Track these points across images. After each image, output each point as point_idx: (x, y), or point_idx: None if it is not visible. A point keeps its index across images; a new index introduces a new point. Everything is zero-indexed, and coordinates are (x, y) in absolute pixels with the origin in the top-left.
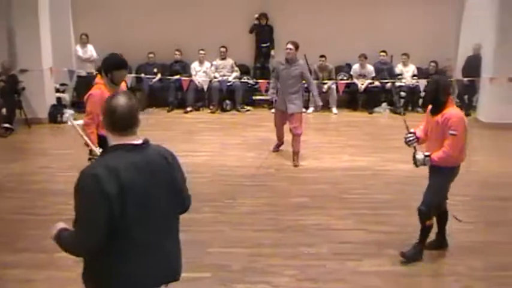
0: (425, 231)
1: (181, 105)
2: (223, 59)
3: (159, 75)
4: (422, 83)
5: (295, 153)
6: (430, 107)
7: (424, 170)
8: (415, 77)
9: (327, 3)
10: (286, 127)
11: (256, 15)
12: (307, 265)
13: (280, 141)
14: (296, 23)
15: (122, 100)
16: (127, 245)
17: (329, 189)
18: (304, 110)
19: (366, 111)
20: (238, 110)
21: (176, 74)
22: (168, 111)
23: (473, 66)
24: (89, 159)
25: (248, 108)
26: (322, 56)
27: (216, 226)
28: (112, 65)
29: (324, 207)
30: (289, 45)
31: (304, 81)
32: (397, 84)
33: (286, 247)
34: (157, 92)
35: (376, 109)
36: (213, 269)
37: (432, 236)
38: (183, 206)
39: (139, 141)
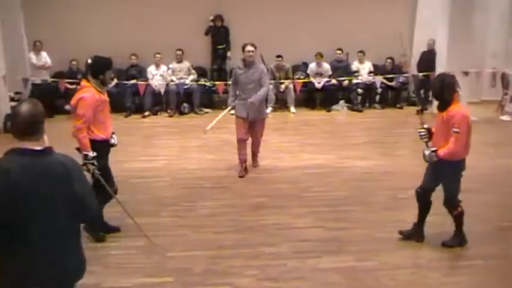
0: (457, 219)
1: (138, 110)
2: (179, 62)
3: (115, 81)
4: (379, 80)
5: (255, 154)
6: (437, 103)
7: (380, 167)
8: (371, 74)
9: (282, 3)
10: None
11: (212, 17)
12: (267, 265)
13: (244, 163)
14: (252, 23)
15: (25, 107)
16: (17, 245)
17: (288, 188)
18: None
19: (323, 109)
20: (196, 113)
21: (132, 79)
22: (126, 116)
23: (427, 61)
24: (84, 164)
25: (206, 110)
26: (278, 56)
27: (176, 230)
28: (105, 66)
29: (283, 207)
30: (251, 47)
31: None
32: (354, 81)
33: (247, 248)
34: (114, 98)
35: (334, 107)
36: (175, 273)
37: (409, 225)
38: (84, 216)
39: (39, 148)
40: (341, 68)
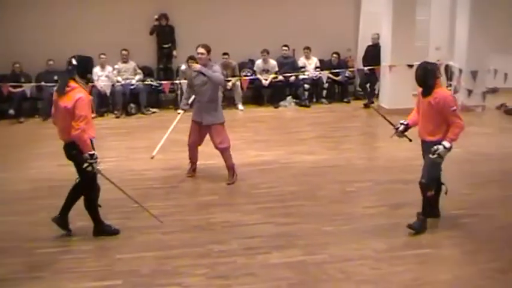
0: (427, 202)
1: None
2: (125, 62)
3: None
4: (325, 75)
5: (229, 170)
6: (420, 89)
7: (328, 161)
8: (318, 69)
9: (227, 1)
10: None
11: (156, 16)
12: (217, 262)
13: (194, 164)
14: (197, 21)
15: None
16: None
17: (237, 185)
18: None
19: (271, 105)
20: (143, 113)
21: None
22: None
23: (373, 55)
24: (89, 164)
25: (154, 110)
26: (225, 54)
27: (124, 232)
28: (91, 65)
29: (232, 204)
30: (200, 49)
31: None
32: (301, 77)
33: (196, 247)
34: None
35: (282, 103)
36: (124, 275)
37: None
38: None
39: None
40: (287, 64)
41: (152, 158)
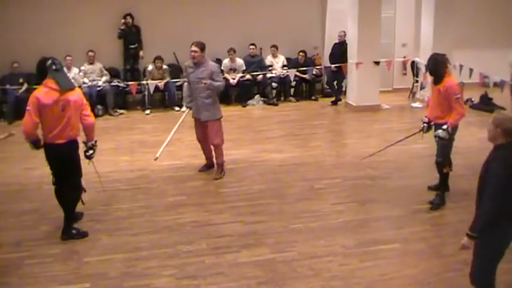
0: (444, 177)
1: None
2: (91, 63)
3: (25, 86)
4: (293, 73)
5: (218, 165)
6: (432, 78)
7: (296, 158)
8: (285, 68)
9: (192, 1)
10: None
11: (123, 21)
12: (185, 263)
13: (210, 161)
14: (163, 21)
15: None
16: None
17: (205, 185)
18: (178, 108)
19: (239, 104)
20: (111, 114)
21: None
22: None
23: (339, 53)
24: (94, 150)
25: (121, 111)
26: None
27: (92, 234)
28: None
29: (200, 204)
30: (193, 47)
31: None
32: (268, 75)
33: (164, 247)
34: (25, 103)
35: (250, 102)
36: (92, 278)
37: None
38: None
39: None
40: (255, 63)
41: (156, 159)
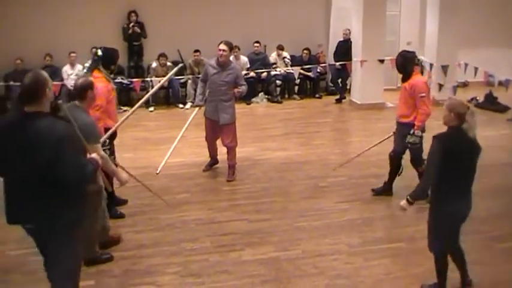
0: (395, 174)
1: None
2: None
3: None
4: (297, 71)
5: (231, 167)
6: (401, 76)
7: (300, 156)
8: (287, 60)
9: None
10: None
11: (131, 25)
12: (189, 261)
13: (214, 159)
14: (167, 18)
15: (27, 77)
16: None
17: (209, 182)
18: (182, 105)
19: (243, 102)
20: None
21: None
22: None
23: (344, 50)
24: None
25: (125, 108)
26: (196, 51)
27: None
28: (116, 57)
29: (204, 202)
30: (223, 46)
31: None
32: (272, 73)
33: (168, 245)
34: None
35: (254, 99)
36: (96, 276)
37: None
38: (68, 181)
39: (31, 111)
40: (259, 61)
41: (158, 173)
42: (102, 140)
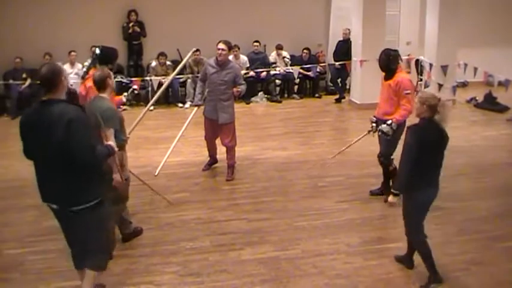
0: (391, 174)
1: None
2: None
3: (28, 81)
4: (296, 70)
5: (230, 167)
6: (383, 74)
7: (300, 156)
8: (286, 59)
9: None
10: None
11: (131, 24)
12: (189, 260)
13: (213, 158)
14: (167, 18)
15: (43, 68)
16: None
17: (209, 182)
18: (181, 104)
19: (243, 101)
20: None
21: None
22: None
23: (343, 50)
24: None
25: (124, 107)
26: (196, 50)
27: None
28: (114, 56)
29: (204, 201)
30: (221, 45)
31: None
32: (272, 72)
33: (167, 244)
34: (28, 98)
35: (253, 98)
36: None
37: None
38: (79, 161)
39: (46, 99)
40: (259, 60)
41: (156, 175)
42: (128, 132)
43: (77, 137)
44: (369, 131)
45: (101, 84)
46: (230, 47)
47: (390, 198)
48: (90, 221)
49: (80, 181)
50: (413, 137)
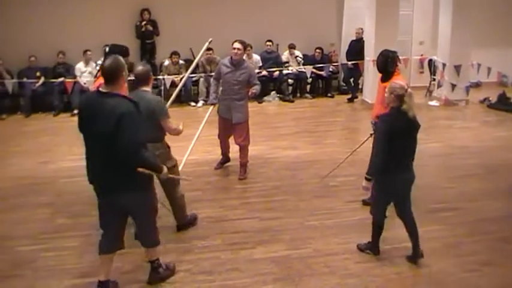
0: None
1: (67, 108)
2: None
3: (42, 79)
4: (309, 70)
5: (242, 165)
6: (380, 75)
7: (311, 155)
8: (299, 58)
9: None
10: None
11: (143, 22)
12: (201, 258)
13: (226, 157)
14: (180, 16)
15: (108, 61)
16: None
17: (220, 180)
18: (194, 103)
19: (255, 100)
20: None
21: (60, 77)
22: (54, 115)
23: (356, 50)
24: None
25: None
26: (209, 49)
27: None
28: (124, 54)
29: (216, 199)
30: (237, 45)
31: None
32: (285, 72)
33: (179, 242)
34: (42, 97)
35: (265, 98)
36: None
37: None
38: (121, 155)
39: (105, 90)
40: (271, 59)
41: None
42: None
43: (125, 132)
44: (371, 134)
45: (145, 79)
46: (245, 47)
47: (364, 183)
48: (133, 206)
49: (123, 171)
50: (383, 125)
